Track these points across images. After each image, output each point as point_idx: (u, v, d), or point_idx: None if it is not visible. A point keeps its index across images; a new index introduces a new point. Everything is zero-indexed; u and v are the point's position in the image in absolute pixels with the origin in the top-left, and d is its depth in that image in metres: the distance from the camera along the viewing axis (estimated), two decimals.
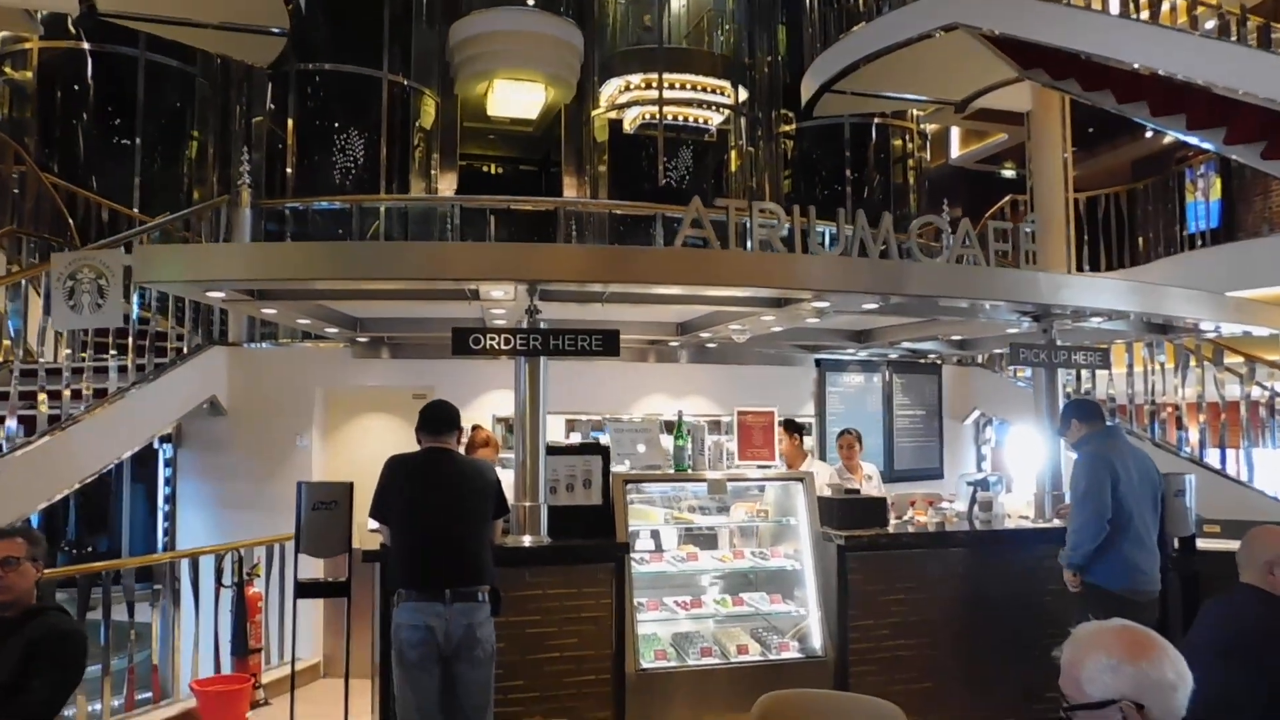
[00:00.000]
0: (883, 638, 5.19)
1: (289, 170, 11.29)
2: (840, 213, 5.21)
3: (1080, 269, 10.49)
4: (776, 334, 6.91)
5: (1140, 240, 11.01)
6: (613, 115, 13.20)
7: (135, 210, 9.51)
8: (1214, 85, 7.45)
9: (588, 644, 4.78)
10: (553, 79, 12.36)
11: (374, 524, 4.28)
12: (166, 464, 7.97)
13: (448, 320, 5.58)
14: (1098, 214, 11.05)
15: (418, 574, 4.02)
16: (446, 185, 12.68)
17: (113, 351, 6.46)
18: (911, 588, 5.26)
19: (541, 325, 4.84)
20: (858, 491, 6.05)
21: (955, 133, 15.34)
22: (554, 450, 5.15)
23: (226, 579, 6.26)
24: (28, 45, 9.98)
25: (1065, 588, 4.93)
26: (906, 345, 7.94)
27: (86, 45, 10.13)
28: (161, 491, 8.15)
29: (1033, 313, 5.90)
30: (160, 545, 8.05)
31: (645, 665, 4.90)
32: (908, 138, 13.55)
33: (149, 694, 5.97)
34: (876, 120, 13.12)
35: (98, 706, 5.45)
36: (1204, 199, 10.53)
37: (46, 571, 3.69)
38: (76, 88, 10.21)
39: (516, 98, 12.73)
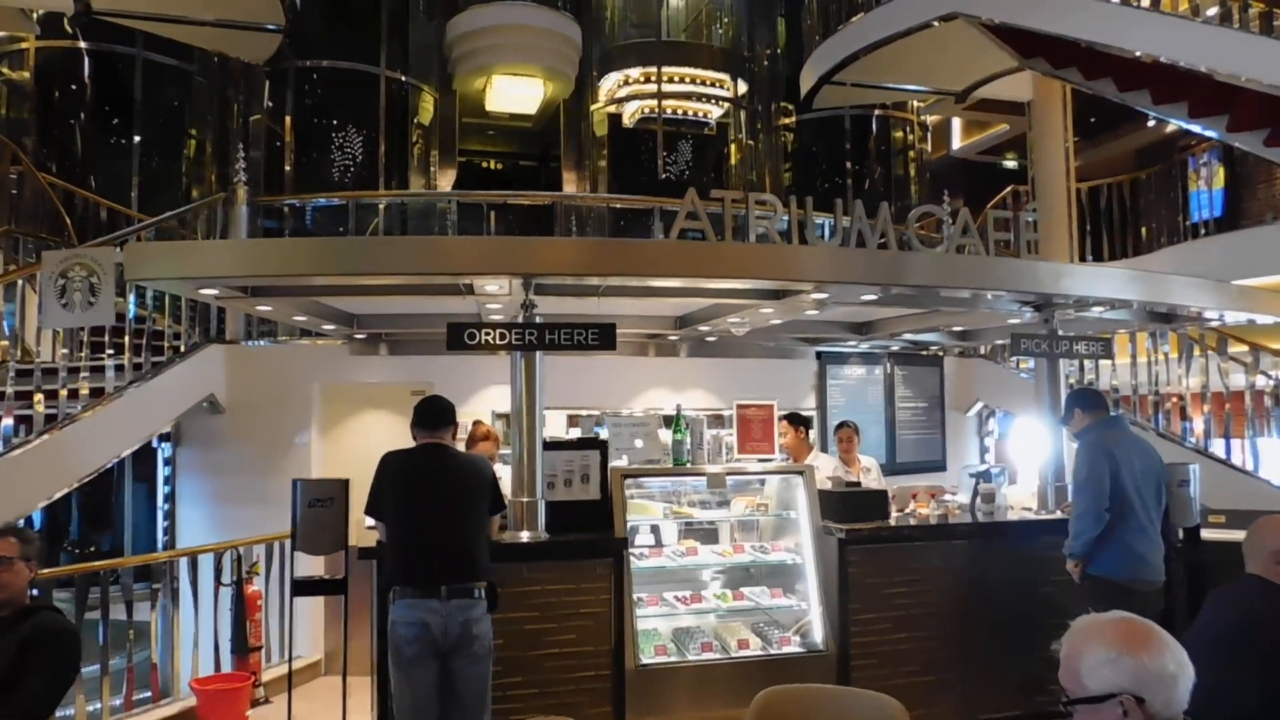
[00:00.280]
0: (884, 631, 5.16)
1: (287, 168, 11.26)
2: (838, 204, 5.17)
3: (1083, 259, 10.43)
4: (776, 326, 6.86)
5: (1143, 230, 10.95)
6: (612, 109, 13.16)
7: (133, 209, 9.49)
8: (1215, 72, 7.38)
9: (587, 640, 4.75)
10: (551, 73, 12.33)
11: (370, 520, 4.26)
12: (166, 462, 7.95)
13: (445, 316, 5.54)
14: (1100, 204, 11.00)
15: (414, 570, 3.99)
16: (445, 181, 12.64)
17: (110, 350, 6.43)
18: (913, 581, 5.23)
19: (537, 320, 4.81)
20: (858, 484, 6.01)
21: (956, 124, 15.26)
22: (552, 445, 5.12)
23: (226, 577, 6.24)
24: (25, 45, 9.95)
25: (1069, 579, 4.89)
26: (908, 337, 7.89)
27: (83, 44, 10.11)
28: (161, 490, 8.13)
29: (1034, 303, 5.86)
30: (160, 543, 8.04)
31: (645, 661, 4.88)
32: (908, 129, 13.49)
33: (148, 693, 5.95)
34: (877, 112, 13.06)
35: (97, 706, 5.43)
36: (1207, 187, 10.45)
37: (45, 571, 3.68)
38: (74, 87, 10.19)
39: (515, 92, 12.70)
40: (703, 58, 13.17)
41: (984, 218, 5.65)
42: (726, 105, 13.26)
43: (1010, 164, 15.33)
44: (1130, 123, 13.08)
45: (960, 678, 5.20)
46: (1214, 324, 7.03)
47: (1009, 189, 11.38)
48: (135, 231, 7.62)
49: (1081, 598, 4.70)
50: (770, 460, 5.93)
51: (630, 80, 13.03)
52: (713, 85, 13.11)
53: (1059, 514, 5.60)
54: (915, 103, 13.25)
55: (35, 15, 9.38)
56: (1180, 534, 5.39)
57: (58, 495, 6.04)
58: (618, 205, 10.94)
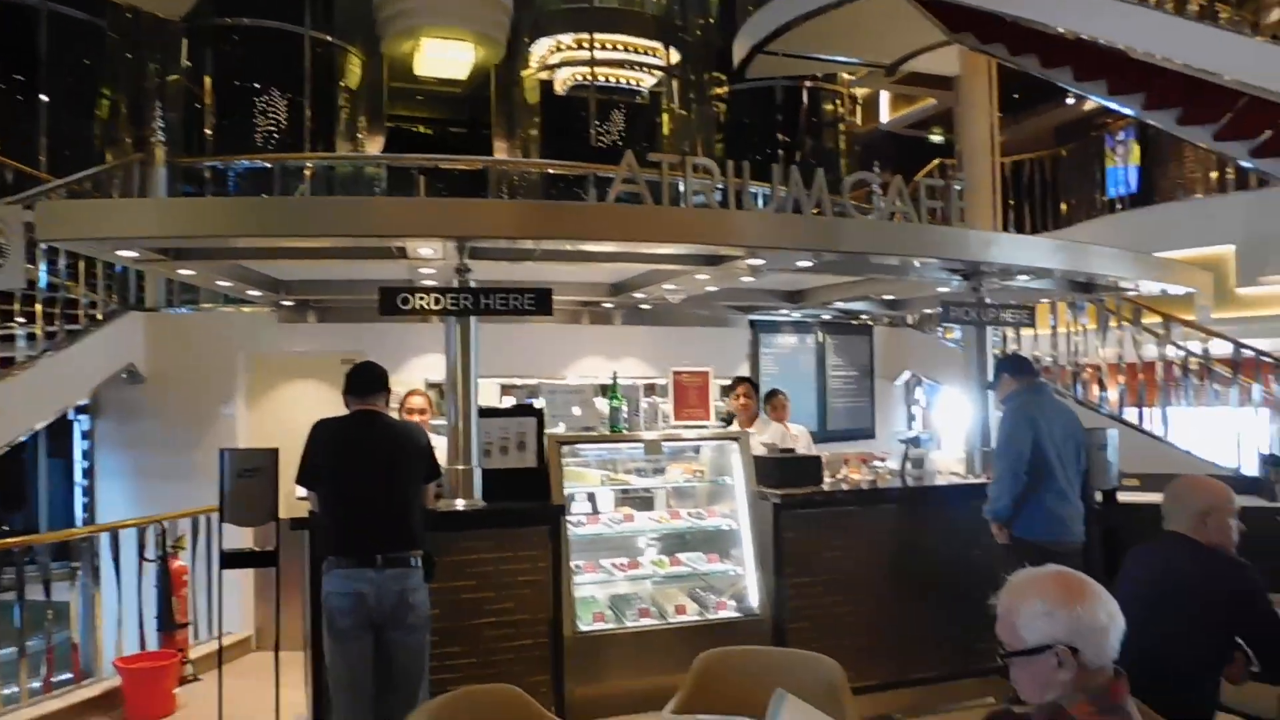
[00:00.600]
0: (818, 594, 5.24)
1: (208, 132, 10.83)
2: (775, 170, 5.19)
3: (1006, 231, 10.69)
4: (711, 294, 6.89)
5: (1063, 204, 11.27)
6: (544, 76, 12.98)
7: (42, 172, 9.04)
8: (1133, 50, 7.61)
9: (524, 608, 4.74)
10: (482, 38, 12.08)
11: (302, 491, 4.16)
12: (84, 435, 7.66)
13: (376, 282, 5.41)
14: (1022, 178, 11.28)
15: (347, 540, 3.91)
16: (374, 148, 12.33)
17: (20, 319, 6.15)
18: (847, 544, 5.32)
19: (472, 284, 4.73)
20: (793, 451, 6.09)
21: (885, 97, 15.46)
22: (488, 412, 5.07)
23: (149, 553, 6.05)
24: None
25: (995, 541, 5.04)
26: (839, 306, 8.00)
27: None
28: (79, 464, 7.84)
29: (963, 270, 5.99)
30: (79, 520, 7.76)
31: (583, 628, 4.88)
32: (838, 102, 13.60)
33: (69, 675, 5.75)
34: (808, 84, 13.15)
35: (15, 689, 5.23)
36: (1123, 164, 10.80)
37: None
38: None
39: (445, 56, 12.41)
40: (635, 25, 13.04)
41: (914, 186, 5.75)
42: (659, 74, 13.19)
43: (937, 138, 15.61)
44: (1051, 100, 13.43)
45: (894, 639, 5.31)
46: (1130, 294, 7.28)
47: (935, 162, 11.59)
48: (45, 191, 7.26)
49: (1008, 559, 4.85)
50: (706, 427, 5.96)
51: (562, 46, 12.85)
52: (645, 53, 13.00)
53: (985, 479, 5.76)
54: (845, 75, 13.37)
55: None
56: (1099, 497, 5.59)
57: None
58: (553, 171, 10.84)
